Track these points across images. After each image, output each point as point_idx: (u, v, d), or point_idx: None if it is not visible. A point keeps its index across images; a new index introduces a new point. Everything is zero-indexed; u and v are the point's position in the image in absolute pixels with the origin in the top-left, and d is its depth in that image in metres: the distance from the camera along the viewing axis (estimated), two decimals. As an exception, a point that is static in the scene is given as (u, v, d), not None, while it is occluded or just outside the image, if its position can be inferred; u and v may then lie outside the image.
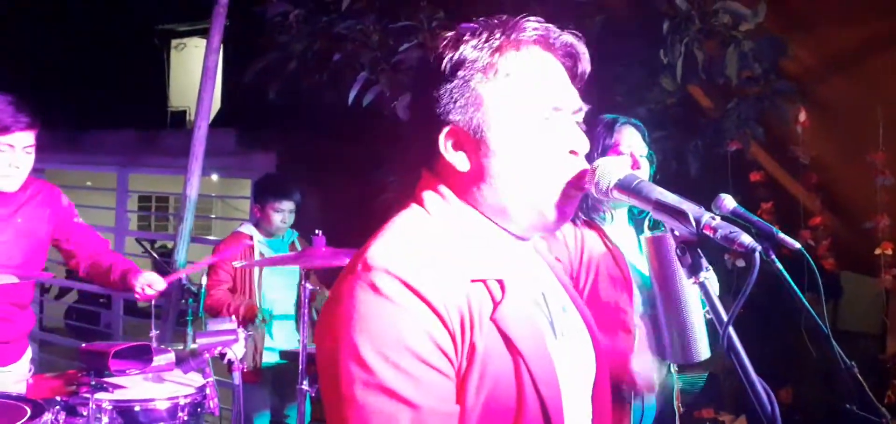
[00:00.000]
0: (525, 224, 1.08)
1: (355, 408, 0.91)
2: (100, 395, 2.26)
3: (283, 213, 3.58)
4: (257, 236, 3.63)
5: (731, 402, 3.92)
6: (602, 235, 2.06)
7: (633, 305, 2.02)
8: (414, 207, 1.08)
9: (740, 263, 3.29)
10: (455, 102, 1.04)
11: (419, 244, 0.99)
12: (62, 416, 2.23)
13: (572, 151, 1.07)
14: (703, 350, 1.99)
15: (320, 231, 2.65)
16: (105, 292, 6.44)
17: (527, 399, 0.97)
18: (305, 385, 2.65)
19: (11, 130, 2.42)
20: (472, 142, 1.05)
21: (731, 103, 3.39)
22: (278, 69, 3.94)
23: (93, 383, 2.26)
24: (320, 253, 2.61)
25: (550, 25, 1.09)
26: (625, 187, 1.08)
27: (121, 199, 5.36)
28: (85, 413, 2.25)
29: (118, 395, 2.31)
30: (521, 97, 1.05)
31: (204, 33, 8.81)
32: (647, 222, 2.15)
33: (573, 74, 1.11)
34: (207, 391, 2.46)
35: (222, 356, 2.64)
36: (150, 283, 2.59)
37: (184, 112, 8.34)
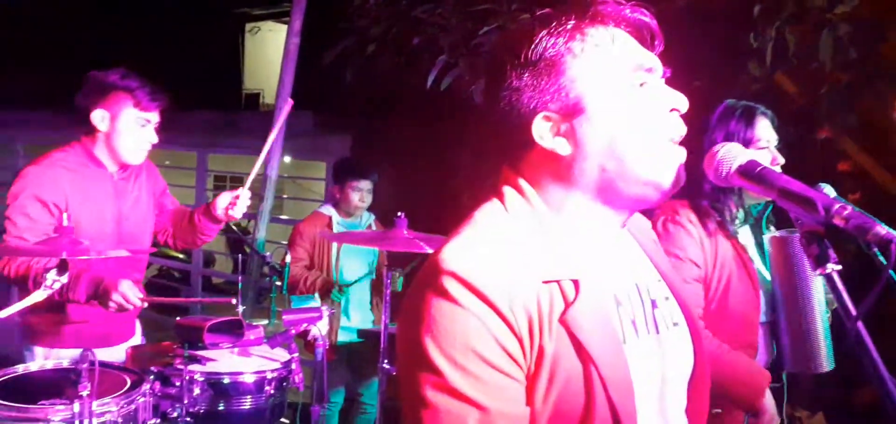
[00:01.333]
0: (634, 197, 1.05)
1: (427, 410, 0.92)
2: (193, 367, 2.34)
3: (361, 192, 3.64)
4: (336, 217, 3.70)
5: (807, 399, 3.80)
6: (734, 241, 1.98)
7: (759, 314, 1.97)
8: (494, 203, 1.05)
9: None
10: (545, 88, 1.02)
11: (492, 245, 0.98)
12: (157, 386, 2.32)
13: (673, 109, 1.05)
14: (825, 361, 1.91)
15: (402, 213, 2.67)
16: (184, 268, 6.68)
17: (597, 403, 0.96)
18: (386, 364, 2.68)
19: (152, 109, 2.54)
20: (570, 122, 1.02)
21: (822, 90, 3.26)
22: (356, 53, 3.99)
23: (186, 355, 2.33)
24: (401, 236, 2.63)
25: (623, 1, 1.06)
26: (747, 173, 1.04)
27: (200, 178, 5.54)
28: (177, 384, 2.33)
29: (209, 367, 2.39)
30: (614, 65, 1.02)
31: (278, 17, 9.02)
32: (764, 223, 2.07)
33: (649, 46, 1.08)
34: (292, 366, 2.52)
35: (305, 333, 2.70)
36: (232, 201, 2.63)
37: (257, 94, 8.55)
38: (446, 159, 4.23)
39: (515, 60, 1.02)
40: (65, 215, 2.04)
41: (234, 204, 2.62)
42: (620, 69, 1.03)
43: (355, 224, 3.75)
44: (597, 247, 1.06)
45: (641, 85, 1.04)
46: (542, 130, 1.03)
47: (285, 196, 7.25)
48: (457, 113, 4.00)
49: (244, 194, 2.64)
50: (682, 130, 1.05)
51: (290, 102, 2.57)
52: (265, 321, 2.78)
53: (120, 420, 2.12)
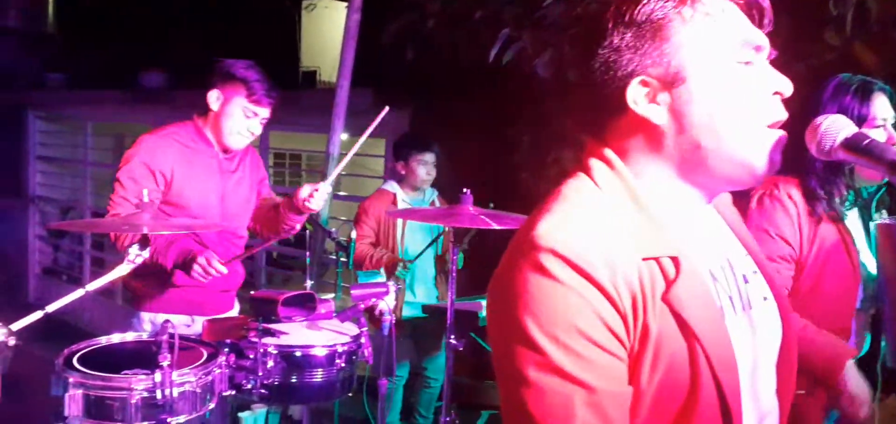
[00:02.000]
0: (725, 176, 1.01)
1: (530, 389, 0.90)
2: (267, 340, 2.39)
3: (427, 165, 3.65)
4: (400, 194, 3.72)
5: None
6: (840, 224, 1.90)
7: (855, 301, 1.89)
8: (581, 177, 1.02)
9: None
10: (647, 51, 0.98)
11: (588, 221, 0.95)
12: (231, 358, 2.37)
13: (777, 93, 1.00)
14: None
15: (467, 190, 2.66)
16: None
17: (702, 381, 0.93)
18: (453, 339, 2.69)
19: (263, 104, 2.65)
20: (669, 91, 0.98)
21: (904, 59, 3.11)
22: (415, 29, 3.98)
23: (260, 328, 2.38)
24: (467, 212, 2.62)
25: None
26: (853, 146, 0.99)
27: (262, 155, 5.61)
28: (251, 356, 2.38)
29: (282, 341, 2.44)
30: (723, 38, 0.98)
31: (334, -5, 9.09)
32: (874, 206, 1.98)
33: (758, 25, 1.04)
34: (362, 340, 2.55)
35: (372, 307, 2.72)
36: (311, 193, 2.68)
37: (314, 72, 8.63)
38: (505, 136, 4.19)
39: (619, 19, 0.98)
40: (146, 191, 2.10)
41: (311, 196, 2.65)
42: (728, 43, 0.99)
43: (419, 200, 3.76)
44: (688, 222, 1.04)
45: (747, 63, 0.99)
46: (638, 96, 0.99)
47: (343, 173, 7.32)
48: (517, 88, 3.96)
49: (323, 186, 2.68)
50: (783, 114, 1.01)
51: (386, 109, 2.61)
52: (331, 296, 2.82)
53: (198, 390, 2.18)
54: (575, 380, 0.89)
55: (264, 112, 2.69)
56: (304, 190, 2.68)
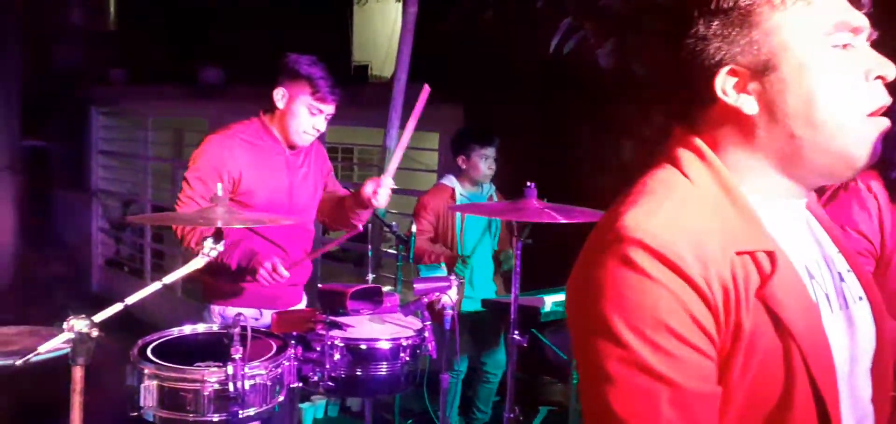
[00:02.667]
0: (822, 169, 0.97)
1: (612, 385, 0.87)
2: (333, 332, 2.40)
3: (489, 159, 3.63)
4: (459, 189, 3.70)
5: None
6: None
7: None
8: (668, 168, 0.98)
9: None
10: (736, 39, 0.93)
11: (677, 213, 0.91)
12: (299, 350, 2.40)
13: (879, 77, 0.94)
14: None
15: (531, 183, 2.62)
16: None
17: (797, 383, 0.89)
18: (516, 335, 2.67)
19: (328, 101, 2.67)
20: (760, 80, 0.93)
21: None
22: (472, 20, 3.95)
23: (327, 321, 2.40)
24: (532, 206, 2.59)
25: None
26: None
27: (318, 149, 5.66)
28: (318, 349, 2.40)
29: (349, 334, 2.45)
30: (817, 21, 0.93)
31: (384, -12, 9.14)
32: None
33: (856, 4, 0.98)
34: (425, 334, 2.54)
35: (433, 301, 2.71)
36: (375, 189, 2.67)
37: (365, 67, 8.65)
38: (563, 129, 4.14)
39: (704, 6, 0.94)
40: (220, 186, 2.13)
41: (376, 193, 2.66)
42: (823, 26, 0.93)
43: (477, 195, 3.74)
44: (783, 216, 0.99)
45: (845, 46, 0.94)
46: (727, 85, 0.95)
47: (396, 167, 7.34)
48: (576, 80, 3.89)
49: (386, 181, 2.67)
50: (885, 100, 0.95)
51: (427, 88, 2.58)
52: (390, 289, 2.82)
53: (268, 382, 2.21)
54: (661, 378, 0.85)
55: (329, 109, 2.70)
56: (369, 187, 2.68)
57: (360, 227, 2.89)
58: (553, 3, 3.49)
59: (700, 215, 0.92)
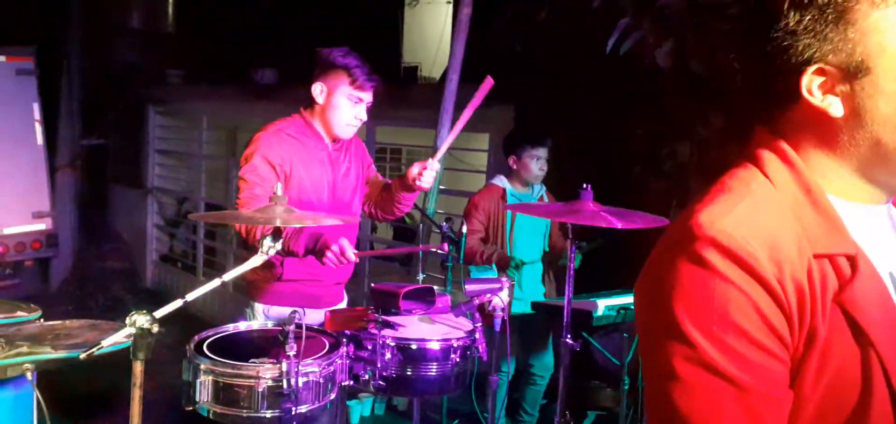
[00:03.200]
0: None
1: (678, 384, 0.85)
2: (385, 332, 2.40)
3: (541, 160, 3.60)
4: (510, 189, 3.68)
5: None
6: None
7: None
8: (749, 168, 0.95)
9: None
10: (828, 36, 0.88)
11: (754, 213, 0.88)
12: (350, 349, 2.40)
13: None
14: None
15: (588, 185, 2.58)
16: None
17: (875, 393, 0.85)
18: (569, 339, 2.63)
19: (366, 89, 2.68)
20: (850, 82, 0.89)
21: None
22: (526, 19, 3.92)
23: (379, 320, 2.40)
24: (588, 208, 2.55)
25: None
26: None
27: (369, 150, 5.69)
28: (369, 348, 2.40)
29: (400, 333, 2.45)
30: None
31: (435, -10, 9.18)
32: None
33: None
34: (476, 335, 2.53)
35: (484, 303, 2.69)
36: (423, 167, 2.67)
37: (415, 68, 8.69)
38: (617, 129, 4.07)
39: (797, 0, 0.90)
40: (279, 185, 2.15)
41: (421, 175, 2.65)
42: None
43: (527, 196, 3.71)
44: (865, 220, 0.95)
45: None
46: (813, 85, 0.91)
47: (445, 168, 7.35)
48: (630, 79, 3.83)
49: (432, 163, 2.66)
50: None
51: (490, 80, 2.56)
52: (440, 290, 2.81)
53: (321, 380, 2.22)
54: (728, 378, 0.83)
55: (368, 96, 2.70)
56: (415, 168, 2.68)
57: (406, 211, 2.89)
58: (610, 2, 3.43)
59: (778, 216, 0.89)
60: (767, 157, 0.95)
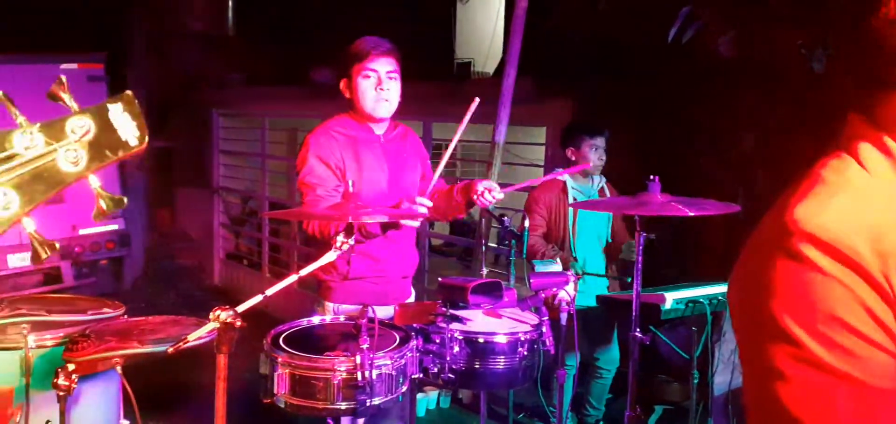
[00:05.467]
0: None
1: (787, 384, 0.83)
2: (453, 325, 2.44)
3: (599, 150, 3.59)
4: (570, 181, 3.67)
5: None
6: None
7: None
8: (843, 157, 0.92)
9: None
10: None
11: (854, 204, 0.86)
12: (420, 342, 2.45)
13: None
14: None
15: (655, 177, 2.57)
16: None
17: None
18: (639, 333, 2.62)
19: (372, 55, 2.67)
20: None
21: None
22: (584, 11, 3.90)
23: (447, 314, 2.44)
24: (656, 200, 2.54)
25: None
26: None
27: (426, 147, 5.74)
28: (437, 341, 2.44)
29: (468, 327, 2.48)
30: None
31: (488, -15, 9.19)
32: None
33: None
34: (543, 329, 2.54)
35: (549, 297, 2.70)
36: (489, 188, 2.68)
37: (468, 63, 8.73)
38: (679, 120, 4.02)
39: None
40: (350, 183, 2.20)
41: (484, 194, 2.66)
42: None
43: (587, 187, 3.70)
44: None
45: None
46: None
47: (502, 163, 7.35)
48: (691, 69, 3.77)
49: (497, 193, 2.67)
50: None
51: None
52: (506, 284, 2.83)
53: (393, 372, 2.27)
54: (838, 374, 0.81)
55: (382, 64, 2.67)
56: (480, 185, 2.68)
57: (459, 218, 2.92)
58: (671, -8, 3.40)
59: (879, 207, 0.86)
60: (866, 150, 0.92)
